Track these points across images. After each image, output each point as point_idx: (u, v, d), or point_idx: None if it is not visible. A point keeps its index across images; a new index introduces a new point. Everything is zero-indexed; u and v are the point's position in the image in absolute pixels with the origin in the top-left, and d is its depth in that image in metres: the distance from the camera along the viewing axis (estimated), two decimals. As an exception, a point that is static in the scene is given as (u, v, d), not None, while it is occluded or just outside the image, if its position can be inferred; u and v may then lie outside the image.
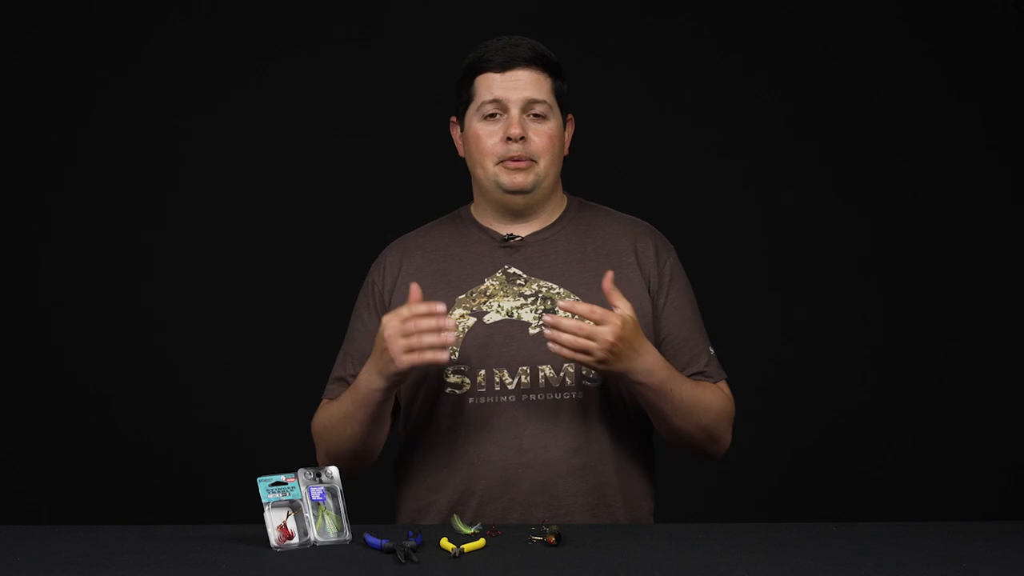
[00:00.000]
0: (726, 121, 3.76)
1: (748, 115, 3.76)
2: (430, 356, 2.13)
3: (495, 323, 2.30)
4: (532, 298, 2.31)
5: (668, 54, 3.76)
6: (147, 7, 3.74)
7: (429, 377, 2.30)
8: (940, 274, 3.74)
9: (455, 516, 2.07)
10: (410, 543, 1.88)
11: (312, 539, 1.96)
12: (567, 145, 2.38)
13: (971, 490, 3.68)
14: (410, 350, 2.13)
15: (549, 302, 2.30)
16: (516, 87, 2.29)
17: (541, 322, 2.16)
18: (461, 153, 2.38)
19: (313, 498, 1.97)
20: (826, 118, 3.75)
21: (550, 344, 2.14)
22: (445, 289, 2.33)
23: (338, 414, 2.29)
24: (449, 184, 2.54)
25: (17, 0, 3.73)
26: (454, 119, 2.38)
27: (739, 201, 3.76)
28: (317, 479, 1.99)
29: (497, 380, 2.28)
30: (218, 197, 3.75)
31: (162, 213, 3.75)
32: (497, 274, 2.33)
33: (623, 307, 2.16)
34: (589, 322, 2.13)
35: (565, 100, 2.36)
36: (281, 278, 3.75)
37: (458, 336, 2.29)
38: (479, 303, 2.31)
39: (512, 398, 2.27)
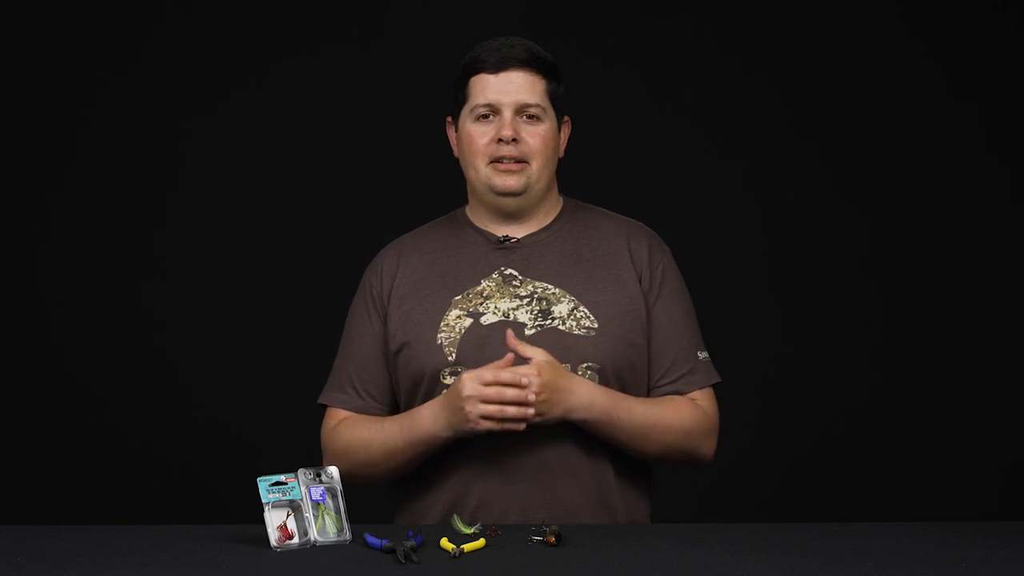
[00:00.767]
0: (726, 121, 3.76)
1: (748, 115, 3.75)
2: (511, 426, 2.16)
3: (492, 324, 2.29)
4: (528, 299, 2.31)
5: (668, 54, 3.76)
6: (147, 7, 3.74)
7: (427, 379, 2.30)
8: (940, 274, 3.74)
9: (455, 516, 2.07)
10: (410, 543, 1.88)
11: (312, 539, 1.96)
12: (563, 147, 2.38)
13: (971, 490, 3.68)
14: (489, 417, 2.15)
15: (545, 303, 2.30)
16: (509, 89, 2.29)
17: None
18: (456, 154, 2.38)
19: (313, 498, 1.97)
20: (826, 118, 3.75)
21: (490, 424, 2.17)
22: (441, 290, 2.33)
23: (380, 445, 2.29)
24: (449, 184, 2.54)
25: (17, 0, 3.73)
26: (450, 119, 2.38)
27: (739, 201, 3.76)
28: (317, 479, 1.99)
29: (496, 381, 2.27)
30: (218, 197, 3.75)
31: (162, 213, 3.74)
32: (493, 275, 2.33)
33: (535, 354, 2.18)
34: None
35: (561, 102, 2.35)
36: (281, 278, 3.74)
37: (455, 338, 2.29)
38: (475, 304, 2.31)
39: (510, 399, 2.27)
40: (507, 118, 2.28)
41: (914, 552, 1.93)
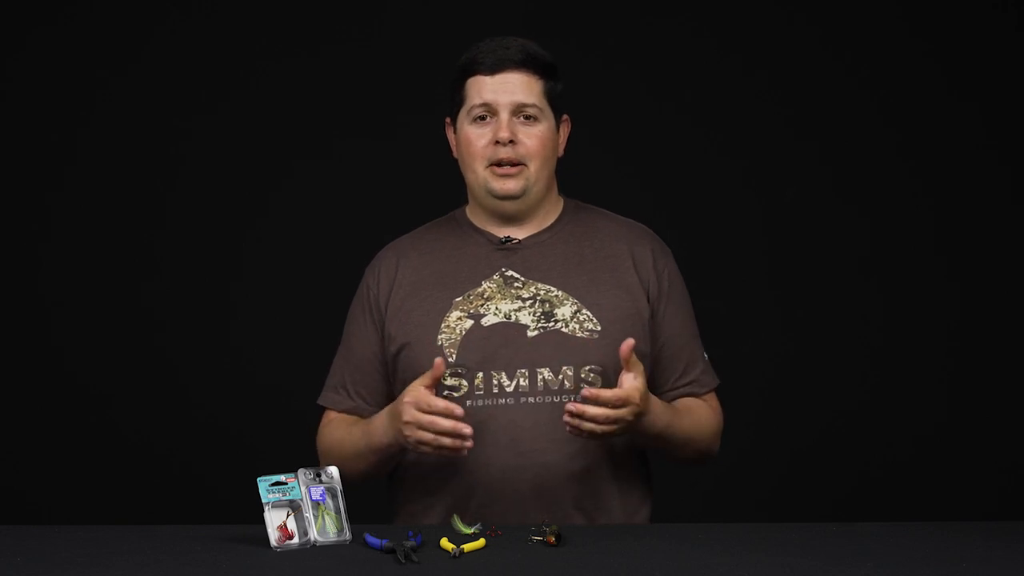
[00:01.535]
0: (726, 121, 3.76)
1: (748, 115, 3.75)
2: (447, 455, 2.17)
3: (492, 326, 2.29)
4: (530, 301, 2.31)
5: (668, 54, 3.76)
6: (147, 7, 3.74)
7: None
8: (940, 274, 3.74)
9: (455, 516, 2.07)
10: (410, 543, 1.88)
11: (312, 539, 1.96)
12: (562, 146, 2.37)
13: (971, 490, 3.68)
14: (425, 444, 2.15)
15: (548, 305, 2.30)
16: (506, 90, 2.28)
17: (565, 418, 2.16)
18: (455, 154, 2.38)
19: (313, 498, 1.97)
20: (826, 118, 3.75)
21: (569, 430, 2.16)
22: (442, 292, 2.33)
23: (350, 448, 2.31)
24: (449, 184, 2.54)
25: (17, 0, 3.73)
26: (448, 120, 2.38)
27: (739, 201, 3.76)
28: (317, 479, 1.99)
29: (495, 383, 2.27)
30: (218, 197, 3.74)
31: (162, 213, 3.74)
32: (494, 277, 2.33)
33: (638, 378, 2.16)
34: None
35: (560, 101, 2.35)
36: (281, 278, 3.74)
37: (455, 339, 2.29)
38: (476, 306, 2.31)
39: (510, 401, 2.27)
40: (504, 120, 2.28)
41: (914, 552, 1.93)
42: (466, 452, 2.16)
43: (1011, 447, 3.71)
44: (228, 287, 3.75)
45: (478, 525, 2.02)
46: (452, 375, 2.28)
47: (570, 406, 2.14)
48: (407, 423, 2.16)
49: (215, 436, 3.71)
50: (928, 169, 3.75)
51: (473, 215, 2.39)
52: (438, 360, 2.17)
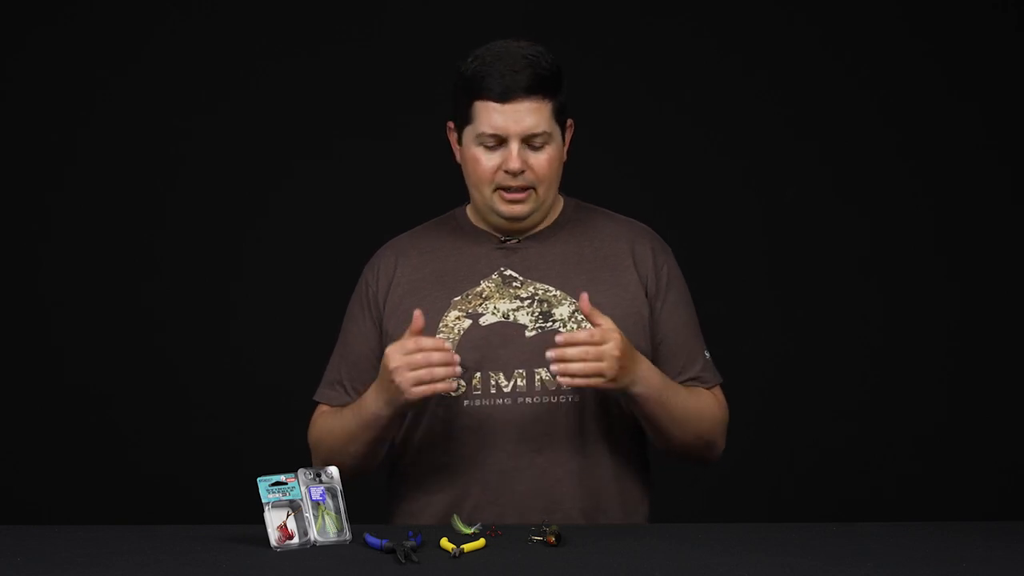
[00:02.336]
0: (726, 121, 3.76)
1: (748, 115, 3.75)
2: (442, 387, 2.14)
3: (491, 325, 2.29)
4: (529, 300, 2.30)
5: (668, 54, 3.76)
6: (147, 7, 3.74)
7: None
8: (940, 274, 3.74)
9: (455, 516, 2.07)
10: (410, 543, 1.88)
11: (312, 539, 1.96)
12: (566, 149, 2.36)
13: (971, 490, 3.68)
14: (420, 382, 2.13)
15: (546, 304, 2.30)
16: (516, 119, 2.23)
17: (549, 365, 2.15)
18: (458, 159, 2.36)
19: (313, 498, 1.97)
20: (826, 118, 3.75)
21: (561, 378, 2.14)
22: (440, 291, 2.32)
23: (340, 431, 2.29)
24: (449, 184, 2.54)
25: (17, 0, 3.73)
26: (451, 125, 2.33)
27: (739, 201, 3.76)
28: (317, 479, 1.99)
29: (493, 383, 2.27)
30: (218, 197, 3.75)
31: (162, 213, 3.75)
32: (493, 276, 2.33)
33: (607, 322, 2.16)
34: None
35: (565, 108, 2.31)
36: (281, 278, 3.74)
37: (454, 339, 2.29)
38: (475, 305, 2.31)
39: (508, 401, 2.27)
40: (514, 151, 2.24)
41: (914, 552, 1.93)
42: (455, 384, 2.15)
43: (1011, 447, 3.71)
44: (228, 287, 3.75)
45: (478, 525, 2.02)
46: (451, 375, 2.28)
47: (551, 353, 2.13)
48: (396, 368, 2.13)
49: (215, 436, 3.71)
50: (928, 169, 3.75)
51: (473, 215, 2.39)
52: (417, 312, 2.16)
